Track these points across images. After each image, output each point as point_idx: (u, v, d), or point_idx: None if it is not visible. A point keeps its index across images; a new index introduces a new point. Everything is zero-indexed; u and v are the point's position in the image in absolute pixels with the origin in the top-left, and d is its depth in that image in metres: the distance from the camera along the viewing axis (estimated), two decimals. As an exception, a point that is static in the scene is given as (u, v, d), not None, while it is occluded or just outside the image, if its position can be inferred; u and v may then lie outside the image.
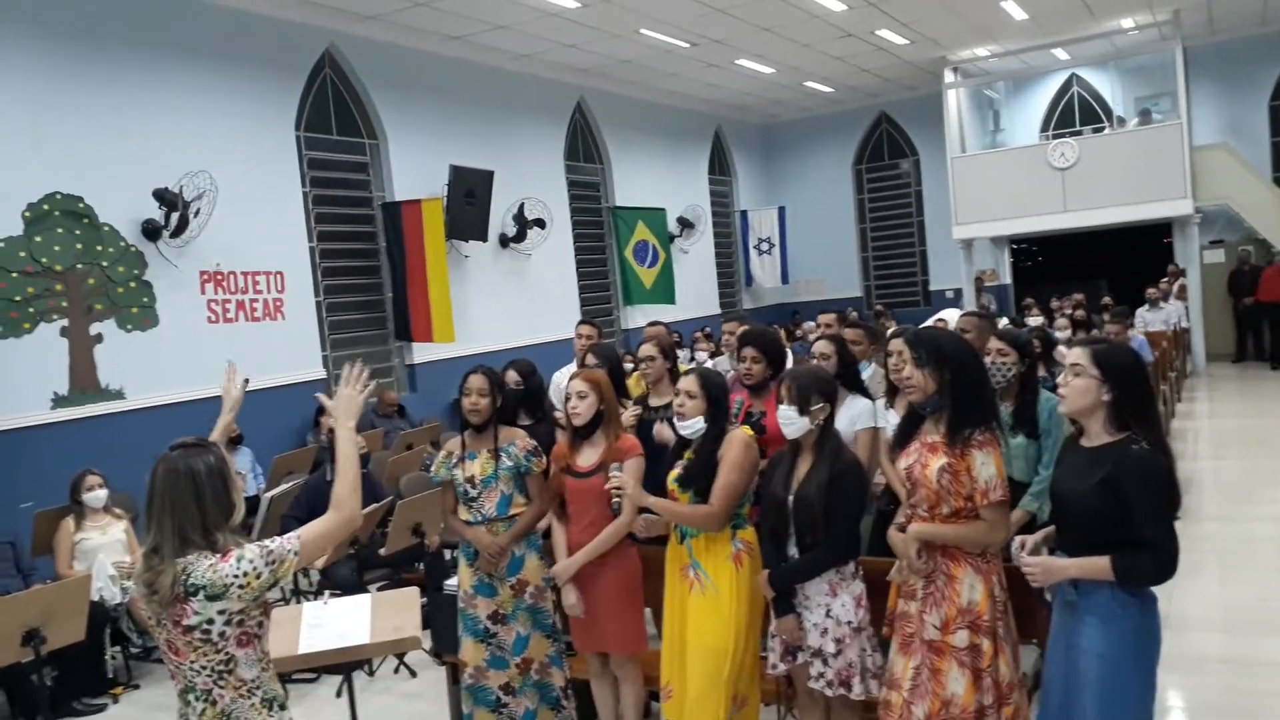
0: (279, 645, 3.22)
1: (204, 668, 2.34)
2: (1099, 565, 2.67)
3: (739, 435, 3.55)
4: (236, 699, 2.37)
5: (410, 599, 3.42)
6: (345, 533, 2.50)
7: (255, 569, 2.31)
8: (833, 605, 3.30)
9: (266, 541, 2.38)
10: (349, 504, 2.46)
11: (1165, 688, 4.08)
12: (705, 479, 3.48)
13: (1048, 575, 2.78)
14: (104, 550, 5.75)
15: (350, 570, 5.72)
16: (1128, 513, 2.63)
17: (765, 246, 17.00)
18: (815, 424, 3.35)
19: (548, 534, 4.18)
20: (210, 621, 2.30)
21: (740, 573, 3.49)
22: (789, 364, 5.22)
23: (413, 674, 5.47)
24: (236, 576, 2.29)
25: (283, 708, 2.45)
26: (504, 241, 11.54)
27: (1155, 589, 2.75)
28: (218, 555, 2.33)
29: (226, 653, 2.35)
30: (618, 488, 3.54)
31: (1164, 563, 2.64)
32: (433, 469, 4.17)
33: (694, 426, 3.53)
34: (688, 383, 3.56)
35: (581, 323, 6.12)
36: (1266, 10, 13.37)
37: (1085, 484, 2.71)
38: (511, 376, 4.77)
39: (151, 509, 2.35)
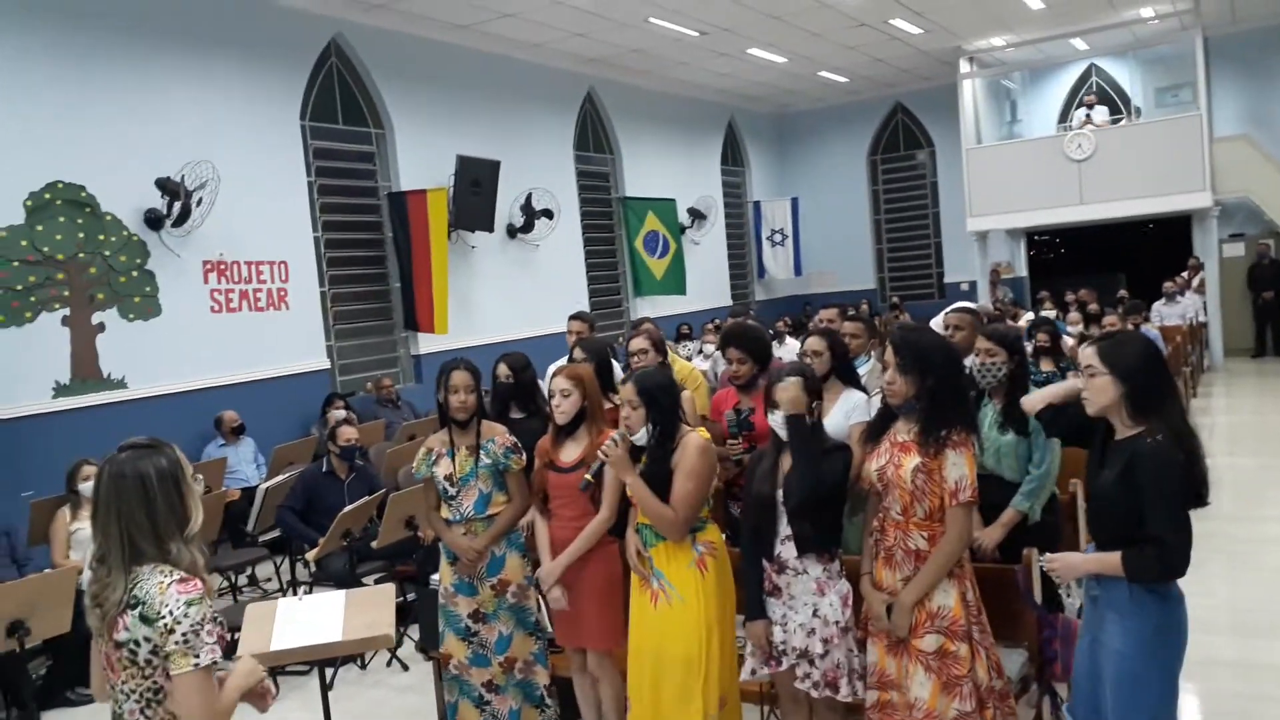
0: (252, 642, 3.18)
1: (132, 691, 2.16)
2: (1113, 561, 2.66)
3: (694, 440, 3.43)
4: None
5: (385, 596, 3.37)
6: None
7: (179, 625, 2.09)
8: (820, 605, 3.23)
9: (212, 627, 2.15)
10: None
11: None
12: (659, 485, 3.38)
13: (1068, 571, 2.82)
14: (99, 540, 5.73)
15: (343, 563, 5.69)
16: (1142, 507, 2.61)
17: (778, 238, 16.88)
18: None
19: (531, 532, 4.13)
20: (137, 643, 2.11)
21: (705, 578, 3.40)
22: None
23: (405, 668, 5.45)
24: (172, 614, 2.09)
25: None
26: (511, 232, 11.49)
27: (1182, 586, 2.73)
28: (177, 576, 2.14)
29: (155, 681, 2.15)
30: (602, 458, 3.44)
31: (1169, 559, 2.59)
32: (414, 465, 4.12)
33: (641, 437, 3.43)
34: (626, 392, 3.46)
35: (573, 317, 6.03)
36: (1290, -1, 13.12)
37: (1108, 479, 2.70)
38: (502, 370, 4.72)
39: (97, 515, 2.17)
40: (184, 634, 2.09)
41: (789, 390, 3.25)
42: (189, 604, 2.11)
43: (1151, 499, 2.58)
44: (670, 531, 3.38)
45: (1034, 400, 3.08)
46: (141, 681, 2.15)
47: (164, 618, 2.09)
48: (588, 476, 3.52)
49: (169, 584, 2.13)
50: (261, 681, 2.35)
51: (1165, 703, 2.71)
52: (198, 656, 2.10)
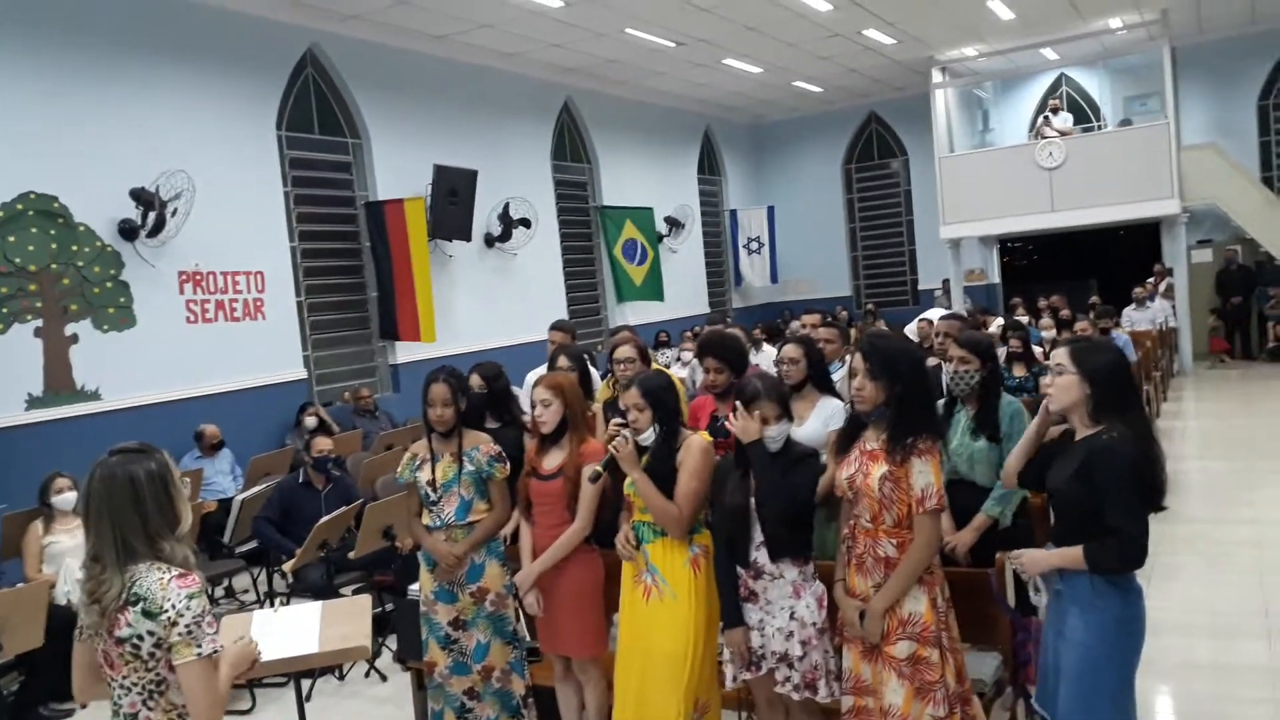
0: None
1: (134, 685, 2.25)
2: (1075, 554, 2.73)
3: (697, 441, 3.51)
4: None
5: (361, 608, 3.37)
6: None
7: (181, 617, 2.19)
8: (796, 607, 3.27)
9: (211, 619, 2.25)
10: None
11: (1147, 693, 4.02)
12: (662, 482, 3.44)
13: (1033, 566, 2.87)
14: (72, 554, 5.66)
15: (321, 574, 5.67)
16: (1101, 502, 2.67)
17: (755, 246, 16.97)
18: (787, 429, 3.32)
19: (512, 540, 4.15)
20: (140, 638, 2.21)
21: (698, 577, 3.45)
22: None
23: (383, 678, 5.43)
24: (174, 607, 2.19)
25: None
26: (489, 241, 11.50)
27: (1141, 584, 2.79)
28: (175, 572, 2.23)
29: (158, 673, 2.25)
30: (612, 451, 3.45)
31: (1129, 550, 2.66)
32: (398, 471, 4.14)
33: (649, 438, 3.50)
34: (631, 397, 3.52)
35: (553, 327, 6.06)
36: (1255, 9, 13.36)
37: (1065, 476, 2.77)
38: (475, 381, 4.73)
39: (89, 516, 2.25)
40: (187, 625, 2.20)
41: (739, 422, 3.27)
42: (190, 597, 2.22)
43: (1109, 492, 2.65)
44: (673, 527, 3.44)
45: (1010, 473, 3.09)
46: (145, 674, 2.24)
47: (166, 611, 2.20)
48: (597, 468, 3.53)
49: (169, 579, 2.22)
50: (252, 656, 2.49)
51: (1125, 691, 2.77)
52: (200, 646, 2.21)
